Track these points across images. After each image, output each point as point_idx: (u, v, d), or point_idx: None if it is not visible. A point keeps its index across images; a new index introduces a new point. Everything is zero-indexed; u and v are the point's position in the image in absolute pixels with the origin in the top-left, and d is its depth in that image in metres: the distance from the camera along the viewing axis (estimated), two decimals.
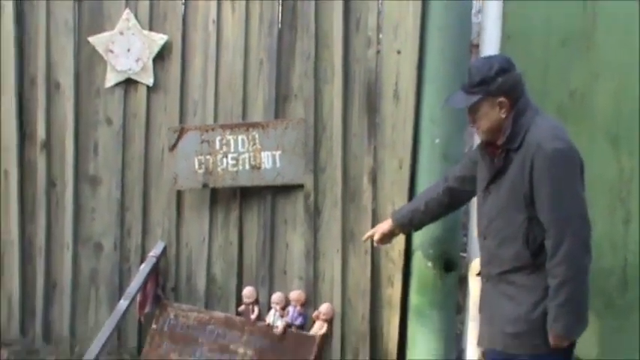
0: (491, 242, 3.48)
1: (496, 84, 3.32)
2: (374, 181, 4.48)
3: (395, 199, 4.40)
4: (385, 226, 4.06)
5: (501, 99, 3.31)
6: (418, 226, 4.11)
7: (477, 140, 3.84)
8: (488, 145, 3.47)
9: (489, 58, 3.57)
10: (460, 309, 4.62)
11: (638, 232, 4.35)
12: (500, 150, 3.40)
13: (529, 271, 3.34)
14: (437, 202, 3.88)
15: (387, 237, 4.09)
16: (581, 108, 4.20)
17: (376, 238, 4.07)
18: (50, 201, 5.12)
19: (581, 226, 3.25)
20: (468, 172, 3.74)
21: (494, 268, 3.47)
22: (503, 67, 3.35)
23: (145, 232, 5.03)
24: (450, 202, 3.92)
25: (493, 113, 3.35)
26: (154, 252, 4.88)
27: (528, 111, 3.36)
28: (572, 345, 3.38)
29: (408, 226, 4.02)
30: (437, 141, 4.30)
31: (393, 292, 4.48)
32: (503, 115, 3.34)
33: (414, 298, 4.41)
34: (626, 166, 4.30)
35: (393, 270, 4.45)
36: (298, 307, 4.63)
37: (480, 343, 3.72)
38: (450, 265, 4.30)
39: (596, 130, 4.21)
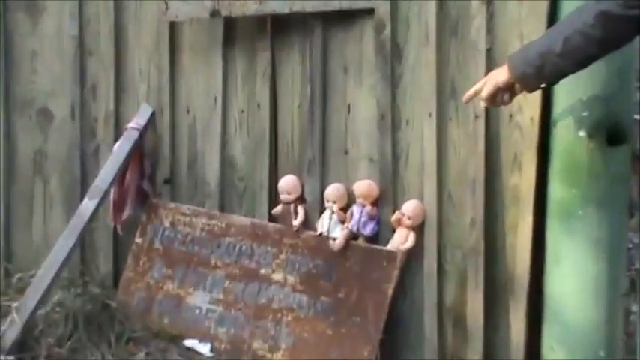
0: None
1: None
2: None
3: (524, 30, 4.10)
4: (500, 76, 3.64)
5: None
6: (552, 78, 3.66)
7: None
8: None
9: None
10: (634, 207, 4.58)
11: None
12: None
13: None
14: (583, 39, 3.39)
15: (504, 94, 3.66)
16: None
17: (484, 94, 3.65)
18: None
19: None
20: None
21: None
22: None
23: (119, 90, 4.90)
24: (605, 36, 3.39)
25: None
26: (137, 122, 4.72)
27: None
28: None
29: (534, 78, 3.58)
30: None
31: (521, 181, 4.20)
32: None
33: (556, 190, 4.09)
34: None
35: (520, 144, 4.18)
36: (368, 207, 4.32)
37: None
38: (616, 135, 3.98)
39: None
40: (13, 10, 5.11)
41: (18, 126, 5.16)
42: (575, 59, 3.54)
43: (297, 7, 4.40)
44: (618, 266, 4.11)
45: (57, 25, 4.99)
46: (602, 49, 3.54)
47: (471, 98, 3.81)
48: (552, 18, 4.18)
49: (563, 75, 3.63)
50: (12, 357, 4.13)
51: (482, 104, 3.81)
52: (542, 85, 3.73)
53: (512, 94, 3.71)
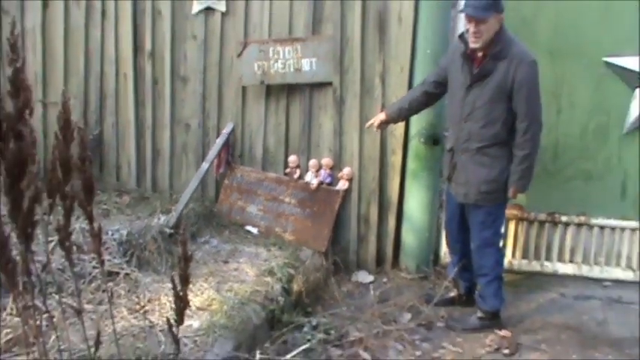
0: (474, 125, 4.34)
1: (501, 3, 4.15)
2: (383, 80, 5.39)
3: (397, 94, 5.28)
4: (382, 116, 4.91)
5: (502, 16, 4.16)
6: (405, 119, 5.12)
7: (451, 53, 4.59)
8: (472, 54, 4.29)
9: None
10: (442, 172, 5.37)
11: (566, 121, 5.58)
12: (487, 58, 4.20)
13: (501, 146, 4.33)
14: (417, 102, 4.80)
15: (384, 125, 5.00)
16: (529, 31, 5.19)
17: (376, 124, 4.95)
18: (155, 94, 5.99)
19: (541, 115, 4.26)
20: (440, 78, 4.62)
21: (474, 143, 4.37)
22: None
23: (219, 116, 5.86)
24: (427, 100, 4.82)
25: (494, 27, 4.14)
26: (226, 130, 5.71)
27: (507, 30, 4.23)
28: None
29: (397, 119, 4.96)
30: (428, 52, 5.21)
31: (395, 160, 5.49)
32: (497, 29, 4.15)
33: (410, 164, 5.51)
34: (559, 73, 5.47)
35: (395, 144, 5.46)
36: (328, 170, 5.57)
37: (456, 198, 4.73)
38: (436, 140, 5.37)
39: (539, 46, 5.11)
40: (175, 80, 5.90)
41: (176, 131, 5.95)
42: (415, 111, 4.93)
43: (298, 80, 5.47)
44: (436, 198, 5.55)
45: (193, 87, 5.84)
46: (427, 106, 4.89)
47: (369, 126, 5.03)
48: (410, 86, 5.19)
49: (411, 116, 5.06)
50: (172, 230, 4.94)
51: (375, 130, 5.07)
52: (402, 121, 5.14)
53: (388, 124, 5.04)
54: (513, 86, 4.16)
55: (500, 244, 4.72)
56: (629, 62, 5.41)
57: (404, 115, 4.94)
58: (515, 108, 4.22)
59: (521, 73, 4.12)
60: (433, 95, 4.81)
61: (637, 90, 5.46)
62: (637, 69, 5.39)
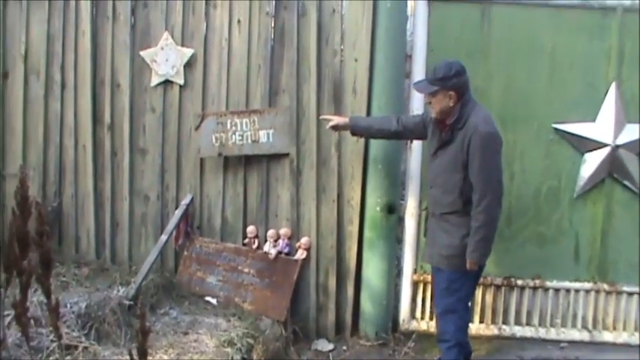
0: (437, 191, 4.37)
1: (451, 82, 4.14)
2: (339, 150, 5.43)
3: (354, 164, 5.40)
4: (342, 120, 4.96)
5: (452, 92, 4.17)
6: (362, 137, 5.13)
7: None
8: (438, 122, 4.31)
9: (451, 62, 4.25)
10: (399, 240, 5.73)
11: (519, 186, 5.69)
12: (448, 127, 4.22)
13: (460, 214, 4.26)
14: (383, 134, 4.88)
15: (339, 128, 5.04)
16: (481, 99, 4.92)
17: (331, 124, 4.97)
18: (114, 165, 5.91)
19: (498, 187, 4.19)
20: (418, 130, 4.68)
21: (438, 209, 4.38)
22: (459, 71, 4.19)
23: (178, 187, 5.82)
24: (392, 138, 4.93)
25: (445, 101, 4.19)
26: (185, 201, 5.68)
27: (470, 102, 4.23)
28: (483, 266, 4.44)
29: (356, 132, 4.98)
30: None
31: (352, 229, 5.51)
32: (452, 104, 4.18)
33: (367, 233, 5.51)
34: (511, 139, 5.52)
35: (352, 213, 5.49)
36: (286, 240, 5.56)
37: (423, 259, 4.97)
38: (392, 209, 5.41)
39: (492, 114, 4.61)
40: (134, 152, 5.81)
41: (135, 202, 5.85)
42: (376, 137, 4.99)
43: (255, 152, 5.48)
44: (393, 265, 5.57)
45: (152, 159, 5.77)
46: (388, 140, 5.00)
47: (325, 119, 5.08)
48: (366, 155, 5.33)
49: (367, 137, 5.10)
50: (131, 302, 4.86)
51: (327, 127, 5.04)
52: (357, 136, 5.09)
53: (342, 130, 5.04)
54: (468, 157, 4.16)
55: (466, 311, 4.60)
56: (577, 128, 5.60)
57: (366, 134, 5.02)
58: (470, 178, 4.21)
59: (474, 143, 4.11)
60: (402, 138, 4.97)
61: (586, 154, 5.62)
62: (584, 134, 5.57)
